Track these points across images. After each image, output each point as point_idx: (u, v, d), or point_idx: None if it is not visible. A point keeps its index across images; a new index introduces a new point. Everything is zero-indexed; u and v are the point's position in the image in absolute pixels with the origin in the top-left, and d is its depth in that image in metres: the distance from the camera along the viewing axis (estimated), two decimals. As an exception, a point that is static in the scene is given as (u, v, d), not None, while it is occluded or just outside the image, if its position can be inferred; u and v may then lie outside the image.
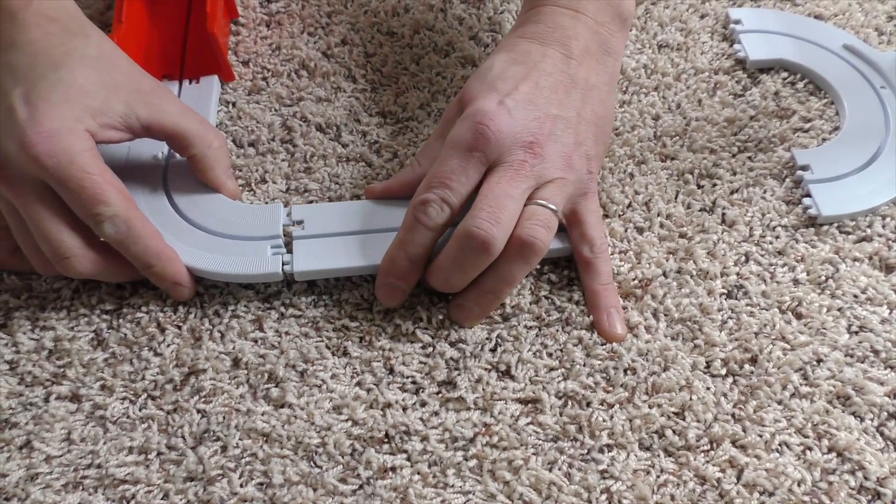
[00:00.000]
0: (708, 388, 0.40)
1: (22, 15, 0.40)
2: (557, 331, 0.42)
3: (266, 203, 0.47)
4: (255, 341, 0.42)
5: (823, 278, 0.44)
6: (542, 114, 0.42)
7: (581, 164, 0.43)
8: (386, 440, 0.39)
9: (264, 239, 0.44)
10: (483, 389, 0.40)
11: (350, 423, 0.39)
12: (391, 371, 0.41)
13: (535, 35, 0.44)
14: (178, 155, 0.48)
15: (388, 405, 0.40)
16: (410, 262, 0.41)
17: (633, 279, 0.44)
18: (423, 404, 0.40)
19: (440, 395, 0.40)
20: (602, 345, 0.41)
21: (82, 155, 0.39)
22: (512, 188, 0.40)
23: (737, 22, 0.56)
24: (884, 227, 0.46)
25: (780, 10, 0.57)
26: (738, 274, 0.44)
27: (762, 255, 0.45)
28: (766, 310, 0.43)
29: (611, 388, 0.40)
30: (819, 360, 0.41)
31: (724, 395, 0.40)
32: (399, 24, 0.57)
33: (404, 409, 0.40)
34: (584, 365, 0.41)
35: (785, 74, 0.53)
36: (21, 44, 0.40)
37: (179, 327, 0.43)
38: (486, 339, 0.42)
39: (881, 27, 0.56)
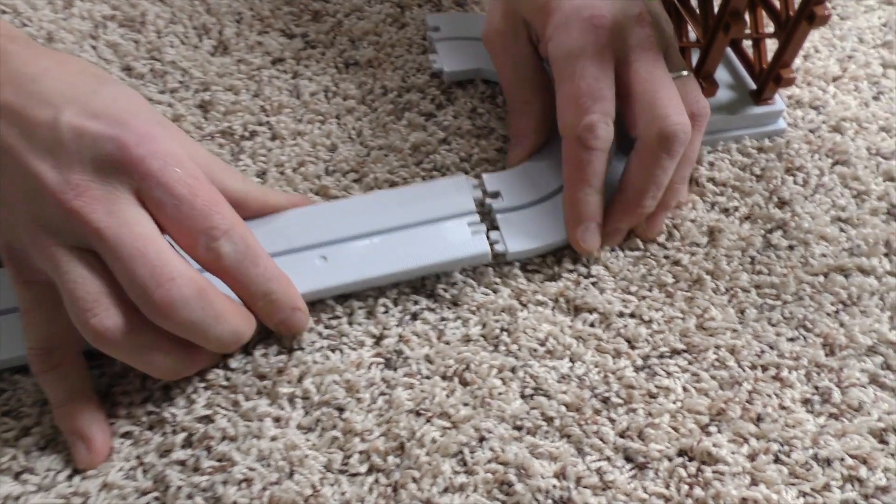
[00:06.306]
0: (343, 495, 0.32)
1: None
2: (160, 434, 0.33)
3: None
4: None
5: (498, 331, 0.36)
6: None
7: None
8: None
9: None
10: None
11: None
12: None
13: None
14: None
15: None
16: (598, 194, 0.37)
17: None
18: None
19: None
20: (208, 453, 0.33)
21: (187, 158, 0.32)
22: (662, 70, 0.37)
23: (435, 29, 0.48)
24: (575, 261, 0.39)
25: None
26: (400, 336, 0.36)
27: (431, 311, 0.37)
28: (429, 378, 0.35)
29: (217, 512, 0.31)
30: (482, 439, 0.33)
31: (361, 500, 0.32)
32: (37, 58, 0.47)
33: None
34: (185, 485, 0.32)
35: (483, 88, 0.47)
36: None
37: None
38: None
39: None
